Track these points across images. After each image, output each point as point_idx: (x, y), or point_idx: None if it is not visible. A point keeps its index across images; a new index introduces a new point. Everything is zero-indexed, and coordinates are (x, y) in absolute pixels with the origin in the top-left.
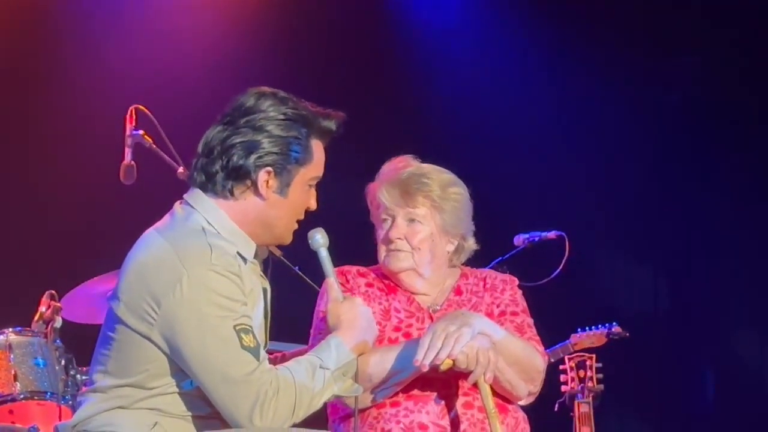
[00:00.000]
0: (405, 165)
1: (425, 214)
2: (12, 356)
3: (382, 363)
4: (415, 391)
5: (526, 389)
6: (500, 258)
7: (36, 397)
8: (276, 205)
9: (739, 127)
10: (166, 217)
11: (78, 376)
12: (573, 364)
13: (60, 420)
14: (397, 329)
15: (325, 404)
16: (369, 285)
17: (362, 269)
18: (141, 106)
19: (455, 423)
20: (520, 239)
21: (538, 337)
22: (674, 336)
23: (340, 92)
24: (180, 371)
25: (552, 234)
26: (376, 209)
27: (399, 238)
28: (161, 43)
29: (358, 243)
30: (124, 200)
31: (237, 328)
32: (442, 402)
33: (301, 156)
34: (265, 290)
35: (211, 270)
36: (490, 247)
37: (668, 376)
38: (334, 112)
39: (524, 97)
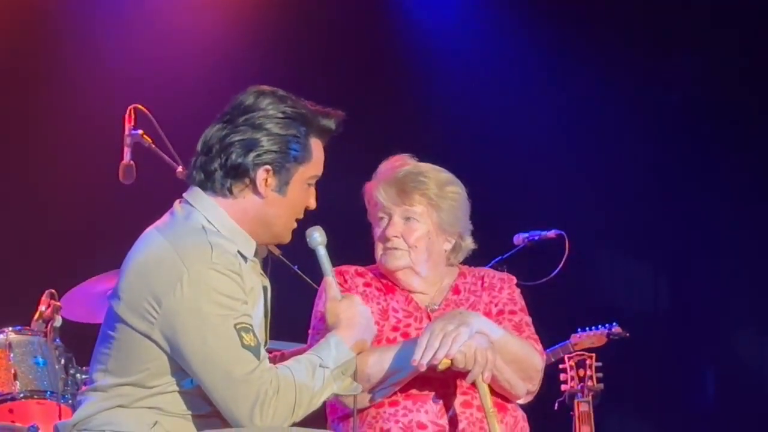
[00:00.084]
0: (402, 164)
1: (422, 212)
2: (12, 355)
3: (380, 363)
4: (414, 391)
5: (525, 388)
6: (500, 257)
7: (36, 396)
8: (275, 203)
9: (739, 127)
10: (166, 216)
11: (78, 375)
12: (573, 363)
13: (60, 419)
14: (395, 329)
15: (324, 404)
16: (367, 285)
17: (360, 269)
18: (140, 106)
19: (454, 422)
20: (519, 238)
21: (536, 336)
22: (674, 335)
23: (339, 92)
24: (180, 370)
25: (552, 233)
26: (373, 208)
27: (396, 236)
28: (161, 43)
29: (357, 242)
30: (123, 200)
31: (238, 326)
32: (441, 401)
33: (300, 154)
34: (265, 289)
35: (211, 269)
36: (490, 247)
37: (668, 376)
38: (334, 110)
39: (524, 97)
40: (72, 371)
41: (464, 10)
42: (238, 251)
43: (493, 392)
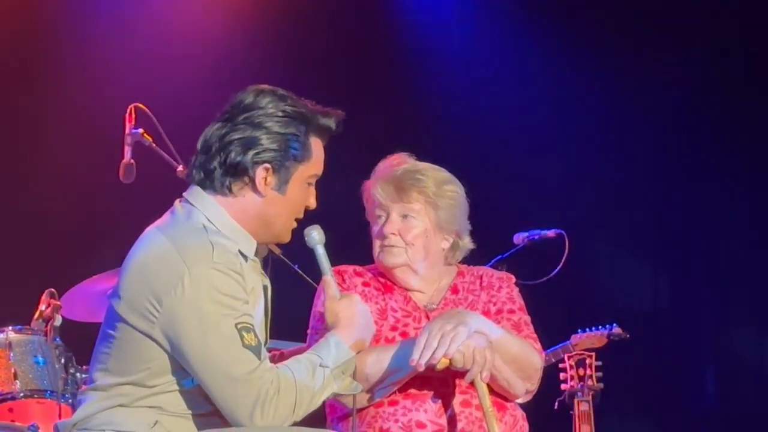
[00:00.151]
0: (400, 162)
1: (419, 210)
2: (12, 354)
3: (378, 363)
4: (413, 390)
5: (524, 387)
6: (500, 256)
7: (36, 396)
8: (274, 202)
9: (740, 126)
10: (167, 216)
11: (78, 374)
12: (573, 363)
13: (60, 418)
14: (393, 328)
15: (324, 403)
16: (366, 284)
17: (358, 269)
18: (140, 105)
19: (453, 421)
20: (519, 238)
21: (535, 335)
22: (674, 335)
23: (339, 91)
24: (181, 369)
25: (552, 232)
26: (371, 206)
27: (393, 234)
28: (161, 42)
29: (356, 242)
30: (123, 199)
31: (239, 326)
32: (440, 400)
33: (300, 153)
34: (265, 288)
35: (212, 268)
36: (490, 246)
37: (668, 375)
38: (333, 110)
39: (524, 95)
40: (72, 370)
41: (464, 10)
42: (239, 250)
43: (492, 391)
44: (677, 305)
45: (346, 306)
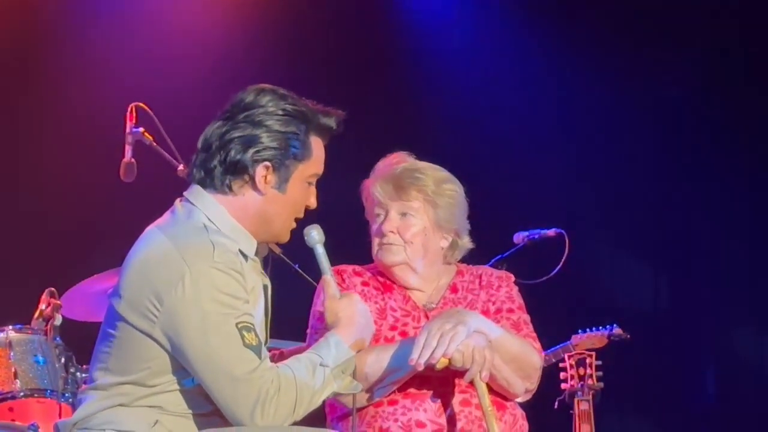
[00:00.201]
0: (399, 161)
1: (418, 208)
2: (12, 354)
3: (378, 362)
4: (413, 389)
5: (523, 386)
6: (500, 256)
7: (36, 395)
8: (274, 200)
9: (740, 126)
10: (167, 215)
11: (78, 373)
12: (573, 362)
13: (60, 418)
14: (393, 328)
15: (323, 403)
16: (365, 284)
17: (358, 268)
18: (141, 104)
19: (452, 421)
20: (519, 237)
21: (534, 334)
22: (674, 335)
23: (339, 91)
24: (181, 369)
25: (552, 232)
26: (370, 204)
27: (392, 232)
28: (162, 41)
29: (355, 241)
30: (124, 198)
31: (239, 325)
32: (439, 400)
33: (300, 152)
34: (265, 287)
35: (213, 267)
36: (490, 245)
37: (668, 375)
38: (334, 109)
39: (524, 95)
40: (72, 370)
41: (464, 10)
42: (239, 250)
43: (491, 391)
44: (677, 305)
45: (345, 305)
